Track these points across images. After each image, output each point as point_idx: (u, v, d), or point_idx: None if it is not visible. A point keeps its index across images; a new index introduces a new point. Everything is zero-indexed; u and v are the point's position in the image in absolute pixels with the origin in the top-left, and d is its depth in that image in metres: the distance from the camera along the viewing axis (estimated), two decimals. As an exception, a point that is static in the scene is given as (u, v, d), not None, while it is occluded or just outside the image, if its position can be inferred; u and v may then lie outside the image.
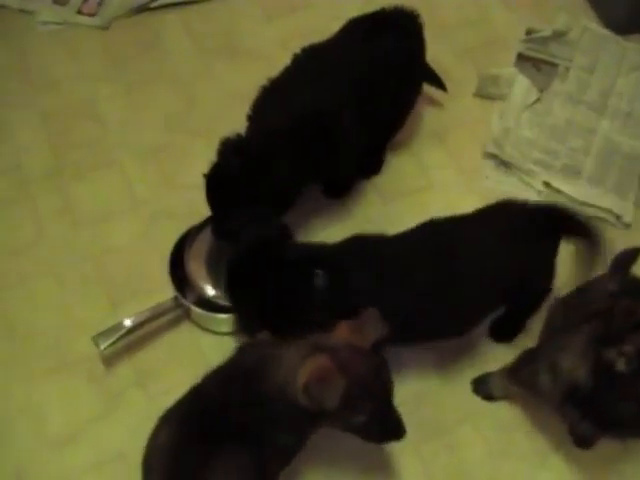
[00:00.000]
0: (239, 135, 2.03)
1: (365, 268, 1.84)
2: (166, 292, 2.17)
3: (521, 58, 2.75)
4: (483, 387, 2.10)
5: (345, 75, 2.11)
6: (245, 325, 2.03)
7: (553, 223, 1.96)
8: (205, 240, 2.20)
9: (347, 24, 2.26)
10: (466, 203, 2.36)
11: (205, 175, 2.02)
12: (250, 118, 2.11)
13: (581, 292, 1.97)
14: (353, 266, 1.84)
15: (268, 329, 1.90)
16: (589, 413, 1.71)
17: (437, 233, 1.93)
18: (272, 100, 2.10)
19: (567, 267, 2.06)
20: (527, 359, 1.95)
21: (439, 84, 2.53)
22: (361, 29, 2.22)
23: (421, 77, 2.41)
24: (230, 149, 2.00)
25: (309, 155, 2.05)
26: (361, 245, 1.89)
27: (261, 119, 2.09)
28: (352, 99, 2.11)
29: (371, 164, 2.48)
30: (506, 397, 2.09)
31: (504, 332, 2.19)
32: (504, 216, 1.98)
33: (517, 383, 1.98)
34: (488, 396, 2.10)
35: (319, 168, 2.14)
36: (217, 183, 2.01)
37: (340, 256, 1.87)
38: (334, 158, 2.14)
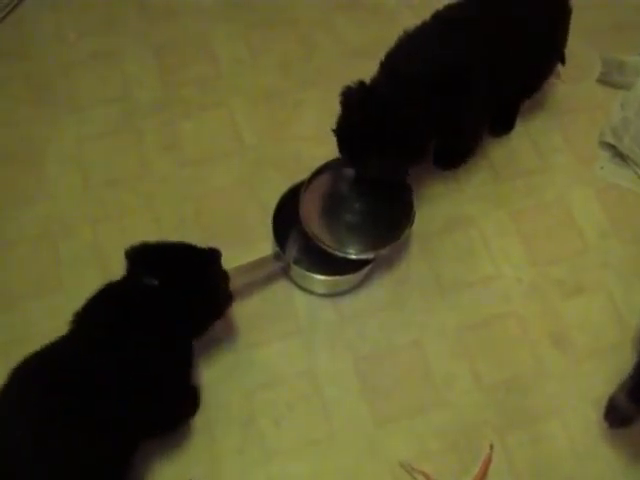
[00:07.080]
0: (362, 83, 1.94)
1: None
2: (262, 243, 2.13)
3: (649, 47, 2.63)
4: (615, 412, 1.97)
5: (484, 33, 2.02)
6: None
7: None
8: (319, 191, 2.12)
9: None
10: (578, 192, 2.32)
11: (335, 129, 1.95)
12: (382, 66, 2.01)
13: None
14: None
15: None
16: None
17: None
18: (405, 50, 2.01)
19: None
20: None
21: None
22: None
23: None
24: (356, 99, 1.93)
25: (436, 106, 1.96)
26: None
27: (392, 67, 1.99)
28: (487, 57, 2.01)
29: (502, 121, 2.42)
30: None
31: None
32: None
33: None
34: (626, 419, 1.96)
35: (443, 123, 2.04)
36: (349, 134, 1.94)
37: None
38: (459, 113, 2.05)
